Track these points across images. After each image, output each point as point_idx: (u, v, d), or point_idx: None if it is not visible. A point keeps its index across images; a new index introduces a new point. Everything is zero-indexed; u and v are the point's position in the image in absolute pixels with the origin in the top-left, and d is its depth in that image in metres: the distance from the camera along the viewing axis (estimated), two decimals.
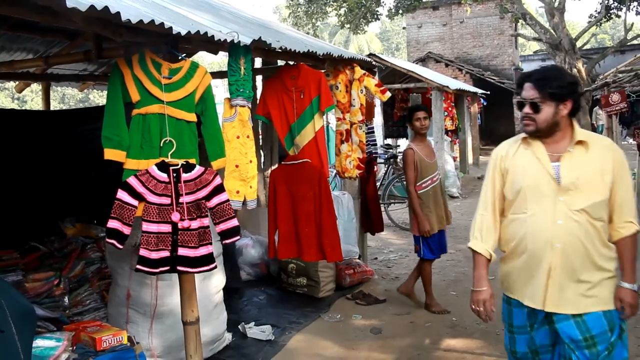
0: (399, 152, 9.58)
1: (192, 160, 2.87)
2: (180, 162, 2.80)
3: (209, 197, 2.84)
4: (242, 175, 3.29)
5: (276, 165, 5.54)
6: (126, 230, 2.73)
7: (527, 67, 22.10)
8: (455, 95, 11.96)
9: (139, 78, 2.80)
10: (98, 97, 31.59)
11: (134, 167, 2.81)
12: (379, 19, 20.93)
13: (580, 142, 2.27)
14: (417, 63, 18.59)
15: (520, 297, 2.36)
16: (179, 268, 2.80)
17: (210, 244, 2.86)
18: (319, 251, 4.12)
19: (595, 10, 16.61)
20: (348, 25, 19.97)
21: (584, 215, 2.21)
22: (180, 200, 2.78)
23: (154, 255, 2.75)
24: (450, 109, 11.48)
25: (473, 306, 2.43)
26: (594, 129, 14.80)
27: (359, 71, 4.60)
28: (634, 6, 15.71)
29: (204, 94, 2.95)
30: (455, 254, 6.38)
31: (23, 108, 27.60)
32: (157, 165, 2.78)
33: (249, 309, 4.77)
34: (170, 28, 2.48)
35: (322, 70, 4.42)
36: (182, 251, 2.78)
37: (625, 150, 3.41)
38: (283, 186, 4.18)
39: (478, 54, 21.47)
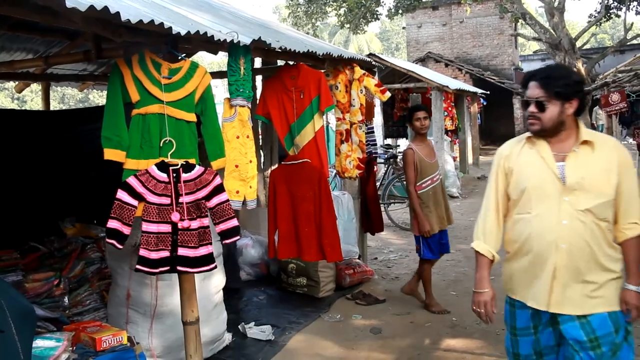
0: (399, 152, 9.58)
1: (192, 160, 2.87)
2: (180, 162, 2.80)
3: (208, 197, 2.84)
4: (241, 175, 3.28)
5: (276, 165, 5.54)
6: (126, 230, 2.73)
7: (527, 67, 22.13)
8: (455, 95, 11.96)
9: (138, 78, 2.80)
10: (98, 97, 31.60)
11: (133, 167, 2.80)
12: (378, 19, 20.95)
13: (585, 142, 2.24)
14: (416, 63, 18.59)
15: (525, 298, 2.33)
16: (179, 268, 2.80)
17: (210, 244, 2.86)
18: (319, 251, 4.12)
19: (595, 10, 16.63)
20: (348, 25, 19.99)
21: (589, 216, 2.19)
22: (180, 200, 2.77)
23: (154, 255, 2.75)
24: (450, 108, 11.48)
25: (474, 307, 2.42)
26: (593, 128, 14.77)
27: (358, 71, 4.60)
28: (634, 6, 15.72)
29: (203, 94, 2.95)
30: (455, 254, 6.37)
31: (23, 108, 27.60)
32: (156, 165, 2.78)
33: (249, 309, 4.77)
34: (170, 28, 2.48)
35: (322, 70, 4.42)
36: (182, 251, 2.78)
37: None
38: (283, 186, 4.18)
39: (478, 54, 21.48)
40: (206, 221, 2.85)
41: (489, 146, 19.58)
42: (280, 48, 3.50)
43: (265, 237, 4.75)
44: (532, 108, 2.26)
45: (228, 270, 4.03)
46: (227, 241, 2.93)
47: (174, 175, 2.78)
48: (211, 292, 3.69)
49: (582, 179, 2.19)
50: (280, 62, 4.97)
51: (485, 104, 15.88)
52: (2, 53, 4.93)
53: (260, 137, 5.83)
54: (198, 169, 2.84)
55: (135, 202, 2.73)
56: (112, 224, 2.71)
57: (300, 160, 4.13)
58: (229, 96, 3.29)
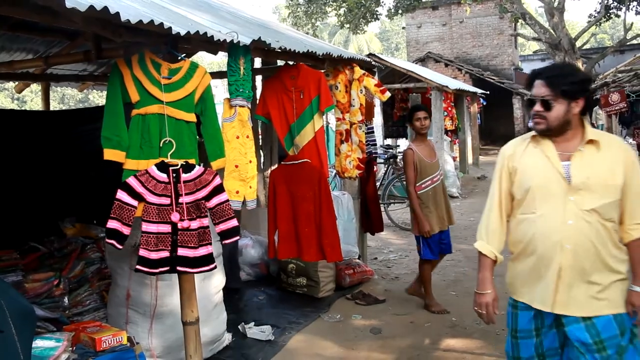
0: (399, 152, 9.58)
1: (192, 161, 2.87)
2: (180, 162, 2.80)
3: (208, 197, 2.84)
4: (241, 175, 3.28)
5: (276, 166, 5.54)
6: (126, 230, 2.73)
7: (527, 67, 22.16)
8: (455, 95, 11.96)
9: (138, 78, 2.80)
10: (98, 97, 31.61)
11: (133, 167, 2.81)
12: (378, 19, 20.96)
13: (591, 141, 2.20)
14: (416, 63, 18.61)
15: (529, 300, 2.29)
16: (179, 268, 2.80)
17: (210, 244, 2.86)
18: (319, 251, 4.12)
19: (595, 10, 16.64)
20: (347, 25, 20.00)
21: (594, 216, 2.15)
22: (180, 200, 2.78)
23: (154, 255, 2.75)
24: (449, 109, 11.49)
25: (476, 308, 2.39)
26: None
27: (358, 71, 4.60)
28: (634, 6, 15.73)
29: (203, 94, 2.95)
30: (455, 254, 6.35)
31: (23, 108, 27.61)
32: (156, 165, 2.78)
33: (249, 309, 4.77)
34: (170, 28, 2.49)
35: (322, 70, 4.42)
36: (181, 251, 2.78)
37: None
38: (283, 186, 4.18)
39: (477, 54, 21.49)
40: (206, 221, 2.85)
41: (488, 146, 19.58)
42: (280, 48, 3.50)
43: (265, 237, 4.75)
44: (537, 107, 2.22)
45: (228, 270, 4.03)
46: (227, 241, 2.93)
47: (174, 175, 2.78)
48: (211, 292, 3.69)
49: (588, 179, 2.16)
50: (280, 62, 4.97)
51: (485, 104, 15.88)
52: (2, 53, 4.93)
53: (260, 137, 5.83)
54: (198, 169, 2.84)
55: (135, 203, 2.73)
56: (112, 224, 2.71)
57: (300, 161, 4.13)
58: (228, 96, 3.29)
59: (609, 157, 2.19)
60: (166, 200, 2.77)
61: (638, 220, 2.21)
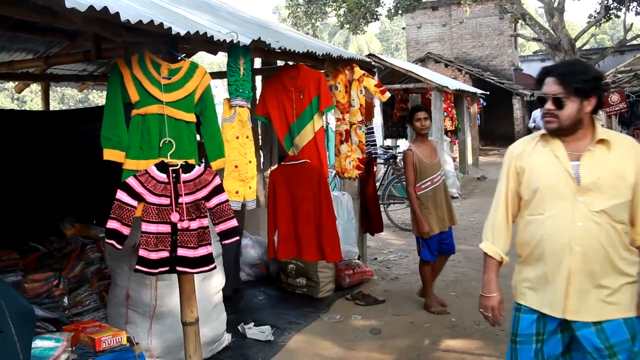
0: (399, 153, 9.58)
1: (192, 161, 2.87)
2: (180, 162, 2.80)
3: (208, 197, 2.84)
4: (241, 175, 3.29)
5: (276, 166, 5.55)
6: (125, 230, 2.73)
7: (527, 67, 22.18)
8: (455, 96, 11.96)
9: (138, 78, 2.80)
10: (97, 97, 31.61)
11: (133, 167, 2.80)
12: (378, 19, 20.97)
13: (601, 141, 2.14)
14: (416, 63, 18.60)
15: (537, 304, 2.22)
16: (179, 268, 2.80)
17: (210, 244, 2.86)
18: (319, 251, 4.12)
19: (595, 11, 16.65)
20: (347, 26, 20.02)
21: (604, 217, 2.09)
22: (180, 200, 2.77)
23: (153, 255, 2.75)
24: (449, 109, 11.49)
25: (482, 311, 2.35)
26: None
27: (358, 71, 4.60)
28: (634, 6, 15.75)
29: (203, 94, 2.95)
30: (456, 254, 6.34)
31: (23, 108, 27.61)
32: (156, 165, 2.78)
33: (249, 310, 4.77)
34: (170, 28, 2.49)
35: (322, 71, 4.42)
36: (181, 252, 2.78)
37: None
38: (283, 186, 4.18)
39: (477, 54, 21.49)
40: (206, 221, 2.85)
41: (488, 147, 19.58)
42: (279, 48, 3.50)
43: (265, 238, 4.75)
44: (549, 105, 2.14)
45: (228, 270, 4.03)
46: (227, 241, 2.93)
47: (174, 175, 2.78)
48: (211, 292, 3.68)
49: (598, 179, 2.09)
50: (280, 63, 4.97)
51: (484, 104, 15.88)
52: (2, 53, 4.93)
53: (260, 137, 5.83)
54: (197, 170, 2.84)
55: (134, 203, 2.73)
56: (112, 224, 2.71)
57: (300, 161, 4.13)
58: (228, 96, 3.29)
59: (620, 157, 2.12)
60: (166, 201, 2.77)
61: None
